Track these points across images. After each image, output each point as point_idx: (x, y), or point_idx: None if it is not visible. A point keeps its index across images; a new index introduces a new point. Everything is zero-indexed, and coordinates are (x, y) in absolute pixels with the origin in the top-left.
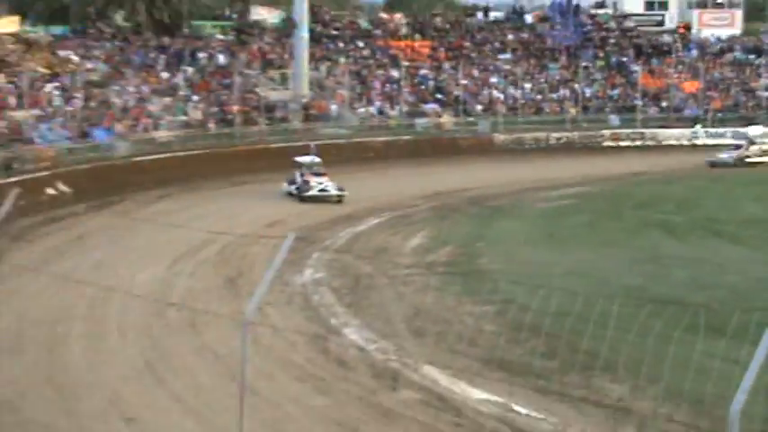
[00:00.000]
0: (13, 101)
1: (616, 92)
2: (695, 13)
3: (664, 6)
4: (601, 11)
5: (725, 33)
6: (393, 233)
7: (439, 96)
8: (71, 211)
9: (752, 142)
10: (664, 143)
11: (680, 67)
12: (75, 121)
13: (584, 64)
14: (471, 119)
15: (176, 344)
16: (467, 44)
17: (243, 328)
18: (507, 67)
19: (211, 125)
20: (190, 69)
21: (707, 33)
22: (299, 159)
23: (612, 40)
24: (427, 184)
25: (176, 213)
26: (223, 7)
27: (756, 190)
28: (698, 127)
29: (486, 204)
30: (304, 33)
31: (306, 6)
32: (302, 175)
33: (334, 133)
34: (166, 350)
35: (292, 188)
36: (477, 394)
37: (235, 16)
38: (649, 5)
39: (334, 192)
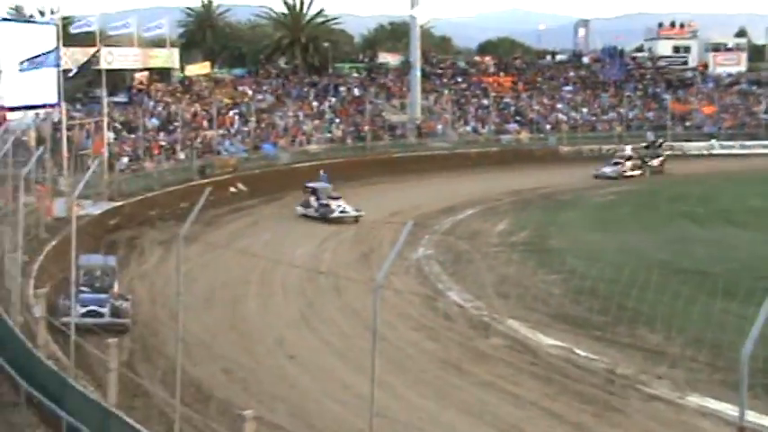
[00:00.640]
0: (205, 123)
1: (651, 114)
2: (711, 55)
3: (687, 50)
4: (640, 54)
5: (734, 70)
6: (484, 221)
7: (518, 118)
8: (247, 203)
9: (629, 158)
10: (687, 153)
11: (700, 95)
12: (250, 138)
13: (627, 94)
14: (542, 135)
15: (324, 302)
16: (539, 79)
17: (374, 291)
18: (569, 96)
19: (349, 141)
20: (333, 99)
21: (720, 70)
22: (310, 185)
23: (649, 76)
24: (509, 184)
25: None
26: (358, 53)
27: (759, 188)
28: (713, 141)
29: (554, 199)
30: (417, 72)
31: (419, 53)
32: (318, 198)
33: (439, 146)
34: (317, 306)
35: (309, 211)
36: (547, 341)
37: (366, 60)
38: (676, 50)
39: (352, 213)
